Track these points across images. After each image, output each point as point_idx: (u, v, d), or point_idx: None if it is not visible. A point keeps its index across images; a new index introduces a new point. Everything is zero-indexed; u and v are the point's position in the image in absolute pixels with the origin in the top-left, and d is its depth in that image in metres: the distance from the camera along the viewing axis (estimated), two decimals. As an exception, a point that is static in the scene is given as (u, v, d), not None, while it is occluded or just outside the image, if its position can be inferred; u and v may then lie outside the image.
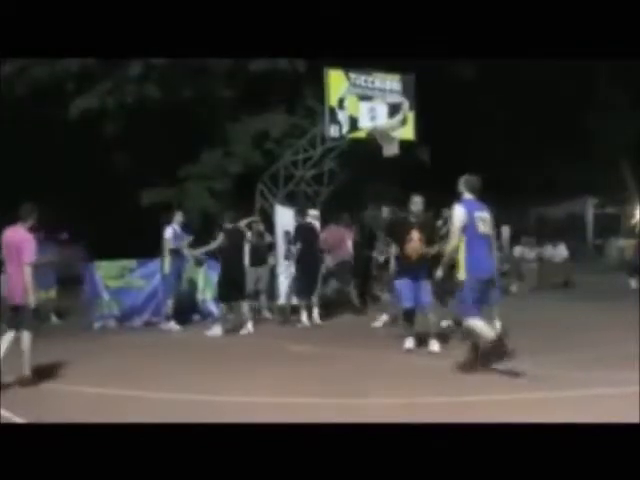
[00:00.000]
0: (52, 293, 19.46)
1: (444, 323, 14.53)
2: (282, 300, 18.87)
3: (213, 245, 16.56)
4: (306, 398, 9.94)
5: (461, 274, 11.35)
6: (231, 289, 16.22)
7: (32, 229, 11.01)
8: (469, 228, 10.98)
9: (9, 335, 11.00)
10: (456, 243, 11.04)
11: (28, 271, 10.66)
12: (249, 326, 16.11)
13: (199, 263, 18.16)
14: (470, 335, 11.24)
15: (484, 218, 11.12)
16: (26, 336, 10.85)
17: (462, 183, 11.39)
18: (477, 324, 10.87)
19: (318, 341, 14.84)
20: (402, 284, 13.23)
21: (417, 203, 13.38)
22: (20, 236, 10.80)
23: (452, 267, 11.85)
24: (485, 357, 10.86)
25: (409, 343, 13.06)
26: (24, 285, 10.73)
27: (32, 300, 10.83)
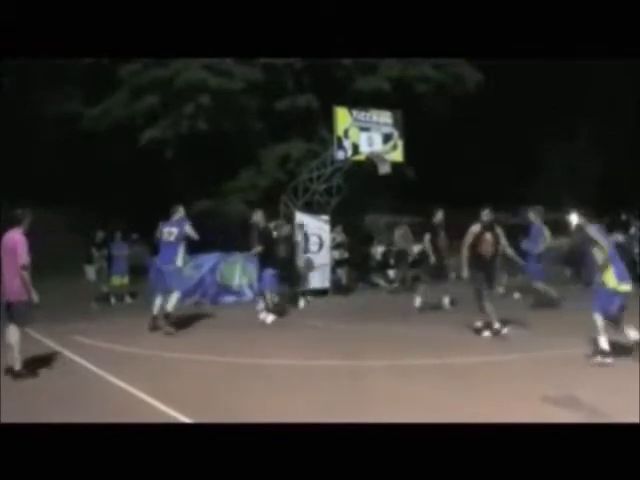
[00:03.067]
0: (125, 279, 19.83)
1: None
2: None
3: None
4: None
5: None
6: None
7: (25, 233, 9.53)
8: (160, 236, 13.87)
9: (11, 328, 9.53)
10: None
11: (24, 273, 9.27)
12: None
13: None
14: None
15: (171, 231, 13.71)
16: (13, 330, 9.42)
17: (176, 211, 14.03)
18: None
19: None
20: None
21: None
22: (15, 239, 9.40)
23: None
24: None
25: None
26: (17, 284, 9.31)
27: (34, 297, 9.32)
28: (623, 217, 24.11)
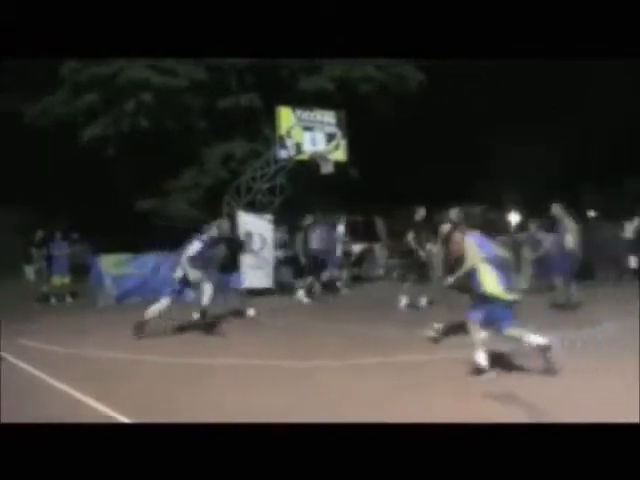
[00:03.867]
0: (66, 279, 19.66)
1: None
2: (245, 285, 19.14)
3: None
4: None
5: None
6: None
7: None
8: None
9: None
10: None
11: None
12: None
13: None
14: None
15: None
16: None
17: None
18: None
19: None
20: None
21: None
22: None
23: None
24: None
25: None
26: None
27: None
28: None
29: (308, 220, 19.18)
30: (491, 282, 8.59)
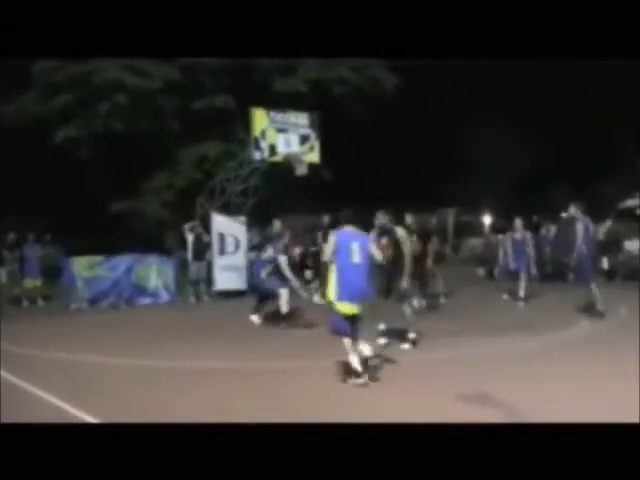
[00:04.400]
0: (38, 282, 19.51)
1: None
2: (217, 287, 19.18)
3: None
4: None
5: None
6: None
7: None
8: None
9: None
10: None
11: None
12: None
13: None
14: None
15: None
16: None
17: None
18: None
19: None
20: None
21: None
22: None
23: None
24: None
25: None
26: None
27: None
28: (535, 219, 25.01)
29: (325, 220, 19.15)
30: (330, 288, 8.49)
